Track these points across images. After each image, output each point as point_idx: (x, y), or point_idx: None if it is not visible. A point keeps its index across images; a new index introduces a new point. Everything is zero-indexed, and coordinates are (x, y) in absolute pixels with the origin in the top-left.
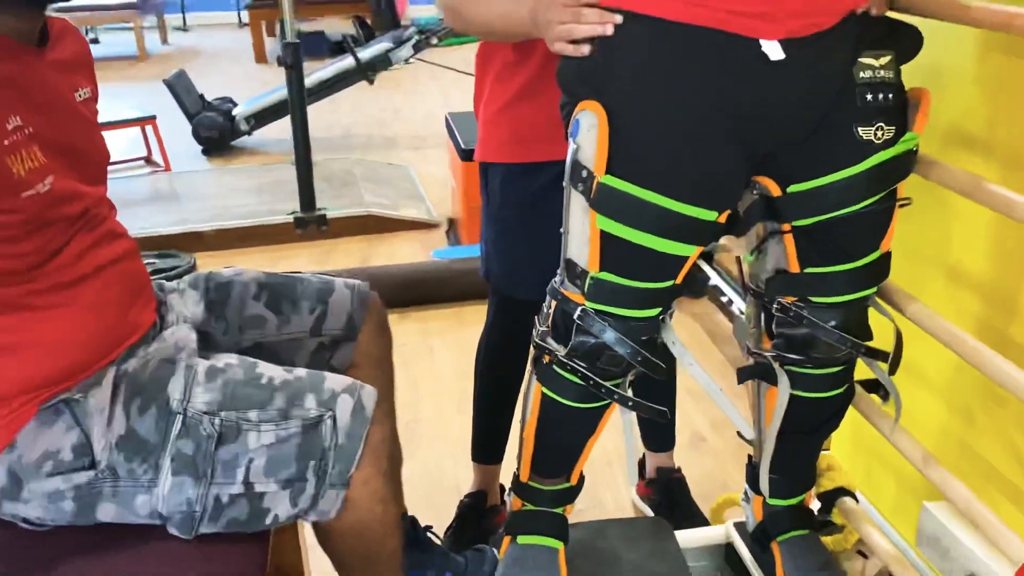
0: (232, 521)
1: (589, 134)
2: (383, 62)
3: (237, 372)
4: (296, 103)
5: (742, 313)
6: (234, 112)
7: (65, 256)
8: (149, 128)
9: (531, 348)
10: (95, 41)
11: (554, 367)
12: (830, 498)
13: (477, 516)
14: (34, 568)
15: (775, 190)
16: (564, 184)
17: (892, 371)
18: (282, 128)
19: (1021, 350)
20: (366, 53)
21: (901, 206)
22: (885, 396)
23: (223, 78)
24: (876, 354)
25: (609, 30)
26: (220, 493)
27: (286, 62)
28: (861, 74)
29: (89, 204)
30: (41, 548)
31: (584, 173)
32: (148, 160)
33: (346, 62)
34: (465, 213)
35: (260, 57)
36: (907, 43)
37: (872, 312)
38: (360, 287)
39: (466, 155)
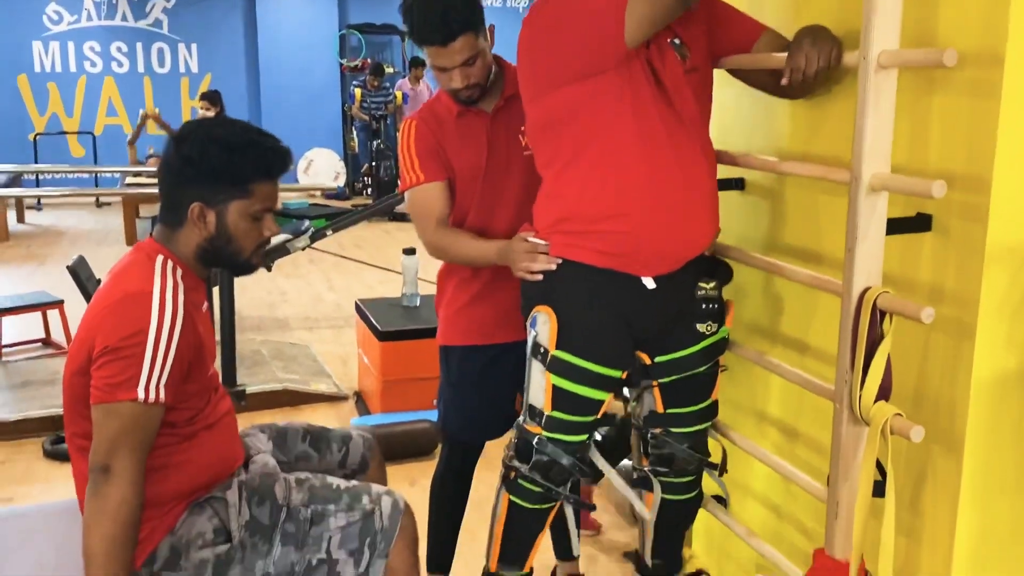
0: None
1: (544, 326)
2: (282, 251)
3: (315, 481)
4: (225, 293)
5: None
6: None
7: (208, 407)
8: (52, 311)
9: (500, 468)
10: None
11: (518, 480)
12: None
13: None
14: None
15: (647, 360)
16: (527, 356)
17: (721, 473)
18: None
19: (803, 461)
20: None
21: (721, 371)
22: (724, 503)
23: (102, 262)
24: (713, 466)
25: (554, 267)
26: (311, 558)
27: None
28: (698, 292)
29: (217, 379)
30: None
31: (542, 349)
32: (47, 342)
33: None
34: (379, 386)
35: (131, 239)
36: (724, 274)
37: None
38: (367, 436)
39: (384, 336)
